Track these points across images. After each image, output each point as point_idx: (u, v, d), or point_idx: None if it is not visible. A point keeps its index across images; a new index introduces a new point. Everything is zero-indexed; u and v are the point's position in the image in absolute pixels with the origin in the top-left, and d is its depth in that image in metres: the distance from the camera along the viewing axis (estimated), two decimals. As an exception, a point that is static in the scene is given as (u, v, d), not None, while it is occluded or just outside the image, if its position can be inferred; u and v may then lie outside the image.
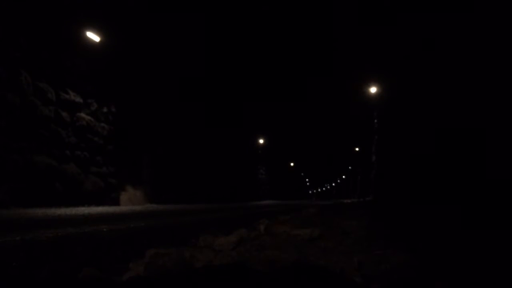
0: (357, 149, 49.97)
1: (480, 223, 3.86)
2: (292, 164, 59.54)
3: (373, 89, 19.46)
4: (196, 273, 2.23)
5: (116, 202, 16.58)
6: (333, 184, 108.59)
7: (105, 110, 16.48)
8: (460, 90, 5.24)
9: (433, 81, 6.36)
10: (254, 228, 5.08)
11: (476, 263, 2.29)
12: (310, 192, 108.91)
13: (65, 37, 13.87)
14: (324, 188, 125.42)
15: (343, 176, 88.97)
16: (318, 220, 6.29)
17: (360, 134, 38.40)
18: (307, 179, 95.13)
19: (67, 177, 13.56)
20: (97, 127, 15.82)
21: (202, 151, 25.40)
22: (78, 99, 14.65)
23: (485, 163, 4.38)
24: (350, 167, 70.42)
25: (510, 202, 3.74)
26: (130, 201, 17.61)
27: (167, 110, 21.38)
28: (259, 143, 40.43)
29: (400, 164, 9.10)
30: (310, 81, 35.42)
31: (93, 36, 14.77)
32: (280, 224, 4.96)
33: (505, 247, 2.65)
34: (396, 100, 9.97)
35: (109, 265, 2.72)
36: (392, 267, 2.12)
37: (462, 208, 4.66)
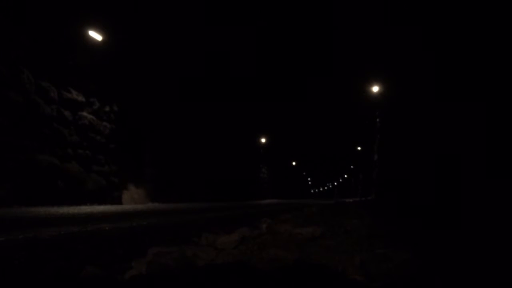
0: (359, 148, 49.89)
1: (481, 222, 3.86)
2: (294, 163, 59.53)
3: (375, 88, 19.44)
4: (198, 271, 2.23)
5: (118, 201, 16.62)
6: (335, 183, 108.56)
7: (107, 109, 16.51)
8: (461, 90, 5.24)
9: (435, 81, 6.35)
10: (256, 227, 5.09)
11: (476, 261, 2.29)
12: (312, 191, 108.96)
13: (67, 36, 13.89)
14: (326, 187, 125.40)
15: (345, 176, 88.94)
16: (319, 219, 6.30)
17: (362, 134, 38.33)
18: (309, 178, 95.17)
19: (69, 175, 13.59)
20: (99, 126, 15.85)
21: (204, 150, 25.42)
22: (81, 98, 14.68)
23: (485, 163, 4.38)
24: (352, 167, 70.39)
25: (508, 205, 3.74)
26: (132, 200, 17.66)
27: (169, 109, 21.40)
28: (261, 142, 40.43)
29: (401, 164, 9.10)
30: (312, 80, 35.37)
31: (95, 35, 14.80)
32: (282, 223, 4.97)
33: (504, 246, 2.65)
34: (398, 100, 9.98)
35: (111, 263, 2.73)
36: (394, 265, 2.12)
37: (462, 207, 4.67)
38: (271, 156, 45.15)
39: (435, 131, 6.26)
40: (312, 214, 8.13)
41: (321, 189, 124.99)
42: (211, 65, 25.17)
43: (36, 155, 12.21)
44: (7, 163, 11.12)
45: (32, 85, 12.16)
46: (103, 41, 15.20)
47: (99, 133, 15.87)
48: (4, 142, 11.10)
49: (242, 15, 23.43)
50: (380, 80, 17.98)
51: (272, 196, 43.77)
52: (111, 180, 16.39)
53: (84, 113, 14.97)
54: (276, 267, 2.26)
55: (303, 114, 44.38)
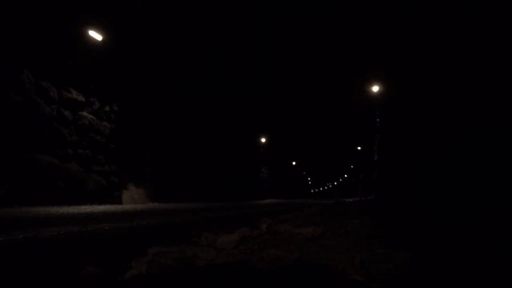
0: (359, 148, 49.86)
1: (478, 222, 3.86)
2: (294, 163, 59.54)
3: (375, 88, 19.43)
4: (198, 271, 2.23)
5: (118, 201, 16.62)
6: (335, 183, 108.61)
7: (107, 108, 16.51)
8: (461, 90, 5.24)
9: (435, 81, 6.35)
10: (256, 227, 5.10)
11: (475, 261, 2.29)
12: (312, 191, 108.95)
13: (67, 36, 13.89)
14: (326, 187, 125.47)
15: (345, 175, 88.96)
16: (320, 219, 6.30)
17: (362, 134, 38.34)
18: (309, 178, 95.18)
19: (69, 175, 13.59)
20: (99, 125, 15.85)
21: (205, 150, 25.42)
22: (80, 98, 14.67)
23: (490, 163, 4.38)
24: (352, 166, 70.41)
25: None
26: (132, 200, 17.66)
27: (169, 109, 21.41)
28: (261, 142, 40.43)
29: (401, 164, 9.10)
30: (312, 79, 35.38)
31: (95, 35, 14.79)
32: (282, 223, 4.97)
33: (503, 246, 2.65)
34: (398, 100, 9.97)
35: (111, 263, 2.73)
36: (394, 265, 2.12)
37: (461, 207, 4.66)
38: (271, 156, 45.14)
39: (433, 131, 6.26)
40: (312, 214, 8.13)
41: (321, 188, 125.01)
42: (211, 64, 25.17)
43: (36, 155, 12.21)
44: (7, 163, 11.12)
45: (32, 85, 12.16)
46: (103, 41, 15.20)
47: (99, 133, 15.87)
48: (4, 142, 11.10)
49: (242, 15, 23.44)
50: (380, 80, 17.98)
51: (272, 196, 43.77)
52: (111, 180, 16.39)
53: (84, 113, 14.97)
54: (276, 267, 2.26)
55: (303, 114, 44.40)
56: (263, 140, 40.37)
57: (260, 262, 2.38)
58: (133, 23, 17.32)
